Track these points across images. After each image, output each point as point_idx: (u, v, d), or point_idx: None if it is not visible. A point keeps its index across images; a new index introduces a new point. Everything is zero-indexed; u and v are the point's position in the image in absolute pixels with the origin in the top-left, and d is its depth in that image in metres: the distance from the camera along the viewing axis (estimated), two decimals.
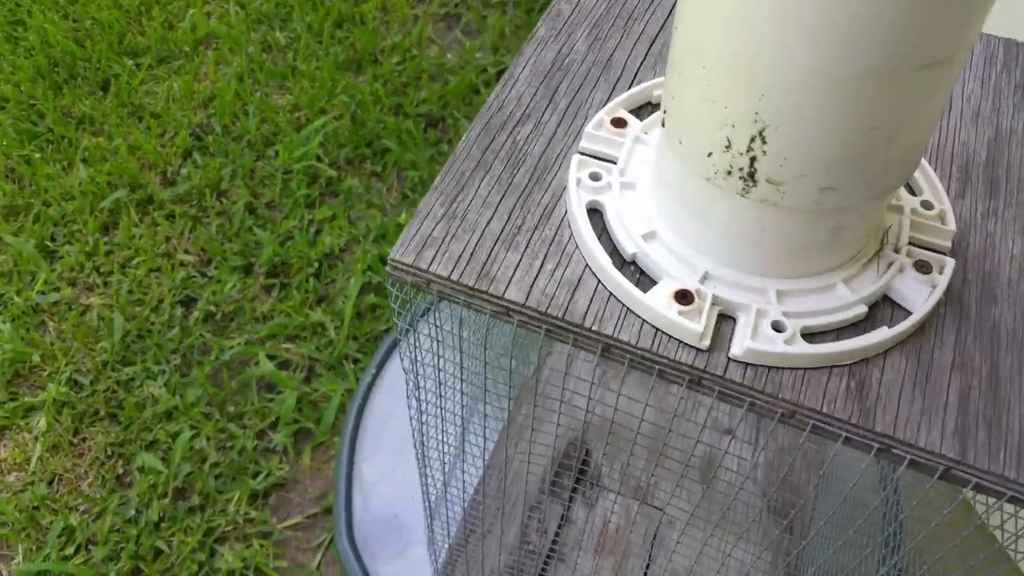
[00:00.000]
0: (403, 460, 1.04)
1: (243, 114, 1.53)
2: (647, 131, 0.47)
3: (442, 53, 1.67)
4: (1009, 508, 0.40)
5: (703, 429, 0.42)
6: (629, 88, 0.51)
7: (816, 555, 0.72)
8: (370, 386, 1.08)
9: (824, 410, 0.37)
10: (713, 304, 0.40)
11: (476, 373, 0.48)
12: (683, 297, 0.39)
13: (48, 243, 1.35)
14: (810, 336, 0.39)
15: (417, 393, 0.51)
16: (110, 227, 1.38)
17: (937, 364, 0.39)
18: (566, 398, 0.48)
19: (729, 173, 0.35)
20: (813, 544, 0.74)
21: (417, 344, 0.47)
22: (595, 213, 0.44)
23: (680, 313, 0.39)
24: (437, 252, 0.42)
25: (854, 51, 0.29)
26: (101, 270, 1.31)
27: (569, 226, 0.44)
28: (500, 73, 1.63)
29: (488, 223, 0.43)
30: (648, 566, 0.77)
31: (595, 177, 0.44)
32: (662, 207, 0.42)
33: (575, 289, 0.41)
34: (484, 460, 0.60)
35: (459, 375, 0.47)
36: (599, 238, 0.42)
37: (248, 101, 1.55)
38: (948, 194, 0.46)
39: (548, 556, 0.78)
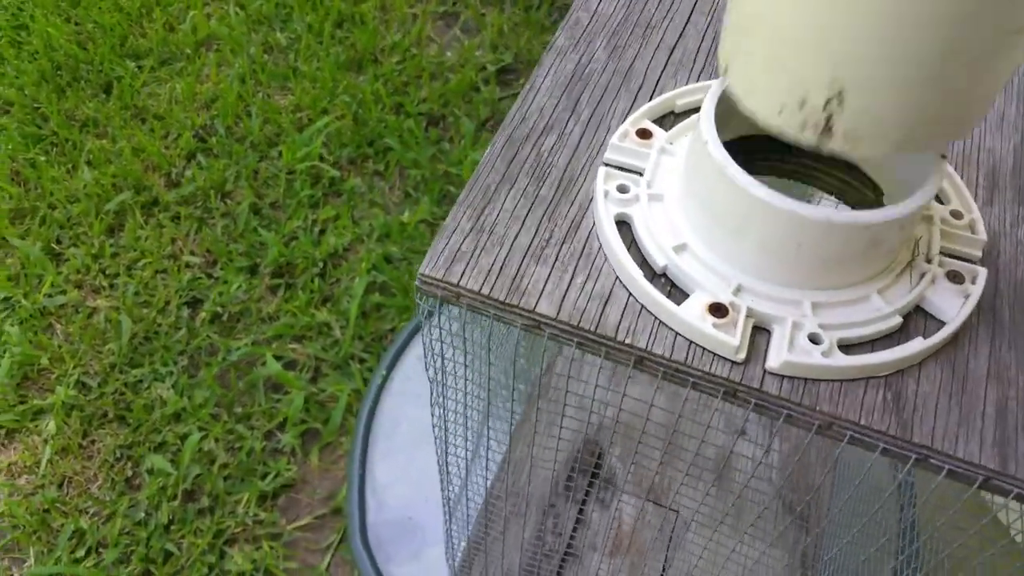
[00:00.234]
0: (416, 461, 1.03)
1: (246, 115, 1.52)
2: (672, 141, 0.46)
3: (441, 51, 1.65)
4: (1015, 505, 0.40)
5: (712, 431, 0.42)
6: (651, 97, 0.50)
7: (831, 550, 0.72)
8: (380, 388, 1.08)
9: (862, 422, 0.37)
10: (748, 317, 0.39)
11: (493, 379, 0.48)
12: (717, 310, 0.39)
13: (54, 246, 1.33)
14: (846, 348, 0.38)
15: (442, 401, 0.50)
16: (116, 229, 1.36)
17: (973, 375, 0.39)
18: (576, 402, 0.47)
19: (803, 127, 0.34)
20: (828, 540, 0.73)
21: (443, 355, 0.47)
22: (623, 225, 0.43)
23: (715, 326, 0.38)
24: (467, 266, 0.41)
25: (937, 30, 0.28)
26: (107, 272, 1.30)
27: (598, 238, 0.43)
28: (500, 71, 1.62)
29: (516, 236, 0.43)
30: (665, 568, 0.77)
31: (623, 189, 0.44)
32: (693, 219, 0.42)
33: (606, 302, 0.40)
34: (504, 459, 0.59)
35: (480, 381, 0.47)
36: (628, 250, 0.42)
37: (250, 102, 1.53)
38: (976, 202, 0.45)
39: (564, 557, 0.78)
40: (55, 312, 1.26)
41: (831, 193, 0.47)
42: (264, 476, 1.11)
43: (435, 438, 0.56)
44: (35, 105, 1.53)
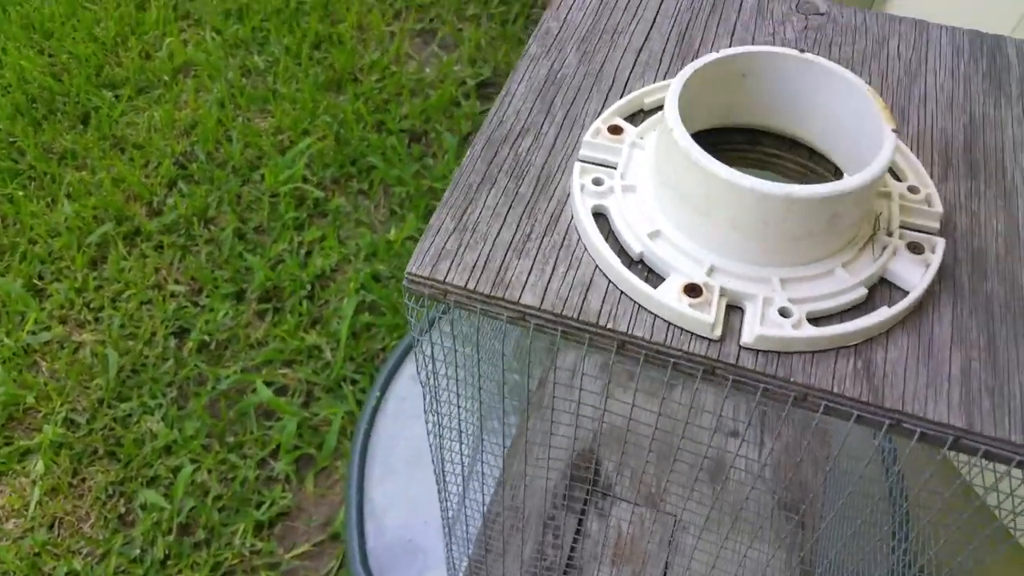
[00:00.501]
0: (414, 482, 1.06)
1: (226, 140, 1.56)
2: (642, 136, 0.50)
3: (421, 68, 1.70)
4: (1005, 487, 0.43)
5: (704, 432, 0.45)
6: (620, 97, 0.54)
7: (828, 548, 0.75)
8: (375, 410, 1.10)
9: (835, 390, 0.40)
10: (721, 295, 0.42)
11: (485, 389, 0.51)
12: (692, 290, 0.42)
13: (36, 281, 1.36)
14: (815, 320, 0.42)
15: (436, 406, 0.53)
16: (98, 261, 1.39)
17: (938, 339, 0.42)
18: (572, 408, 0.50)
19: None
20: (825, 538, 0.76)
21: (432, 355, 0.50)
22: (600, 217, 0.47)
23: (690, 306, 0.41)
24: (452, 263, 0.44)
25: None
26: (92, 306, 1.33)
27: (576, 231, 0.46)
28: (479, 85, 1.66)
29: (499, 233, 0.46)
30: (666, 573, 0.79)
31: (598, 182, 0.47)
32: (665, 206, 0.45)
33: (587, 290, 0.44)
34: (501, 475, 0.62)
35: (475, 383, 0.50)
36: (606, 240, 0.45)
37: (230, 127, 1.57)
38: (932, 178, 0.49)
39: (565, 570, 0.81)
40: (39, 349, 1.28)
41: (795, 178, 0.51)
42: (259, 505, 1.13)
43: (431, 447, 0.58)
44: (11, 139, 1.56)
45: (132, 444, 1.17)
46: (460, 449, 0.63)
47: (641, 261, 0.45)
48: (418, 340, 0.48)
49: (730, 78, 0.49)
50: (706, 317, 0.41)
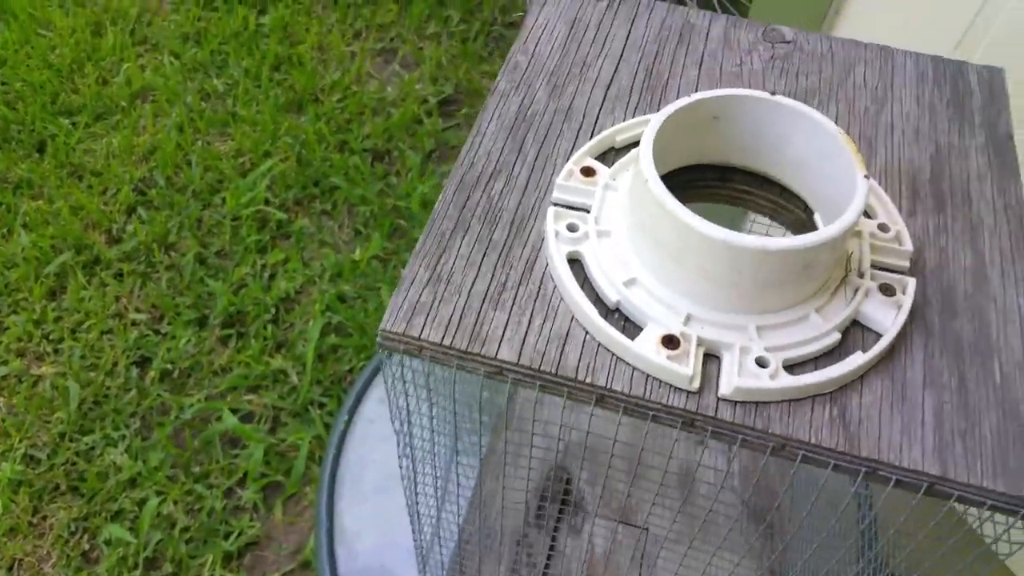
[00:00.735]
0: (385, 506, 1.04)
1: (186, 164, 1.52)
2: (615, 177, 0.50)
3: (382, 87, 1.68)
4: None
5: (675, 445, 0.44)
6: (591, 134, 0.53)
7: (797, 557, 0.75)
8: (343, 434, 1.08)
9: (812, 441, 0.40)
10: (698, 345, 0.42)
11: (457, 421, 0.50)
12: (670, 342, 0.42)
13: None
14: (791, 368, 0.42)
15: (410, 452, 0.52)
16: (57, 292, 1.35)
17: (911, 383, 0.42)
18: (541, 429, 0.50)
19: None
20: (793, 546, 0.77)
21: (407, 407, 0.49)
22: (575, 263, 0.46)
23: (669, 358, 0.41)
24: (427, 318, 0.43)
25: None
26: (51, 337, 1.29)
27: (552, 279, 0.46)
28: (441, 103, 1.65)
29: (473, 283, 0.45)
30: None
31: (572, 228, 0.47)
32: (640, 253, 0.45)
33: (564, 343, 0.43)
34: (474, 496, 0.61)
35: (446, 421, 0.49)
36: (582, 288, 0.44)
37: (190, 151, 1.54)
38: (900, 213, 0.49)
39: None
40: None
41: (766, 214, 0.50)
42: (227, 536, 1.11)
43: (404, 488, 0.57)
44: None
45: (95, 478, 1.13)
46: (434, 481, 0.62)
47: (618, 310, 0.44)
48: (393, 394, 0.47)
49: (702, 121, 0.48)
50: (685, 370, 0.41)
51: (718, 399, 0.41)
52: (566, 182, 0.49)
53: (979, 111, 0.57)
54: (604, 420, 0.45)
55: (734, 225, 0.51)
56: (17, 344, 1.28)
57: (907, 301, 0.44)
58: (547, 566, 0.82)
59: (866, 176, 0.42)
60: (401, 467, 0.53)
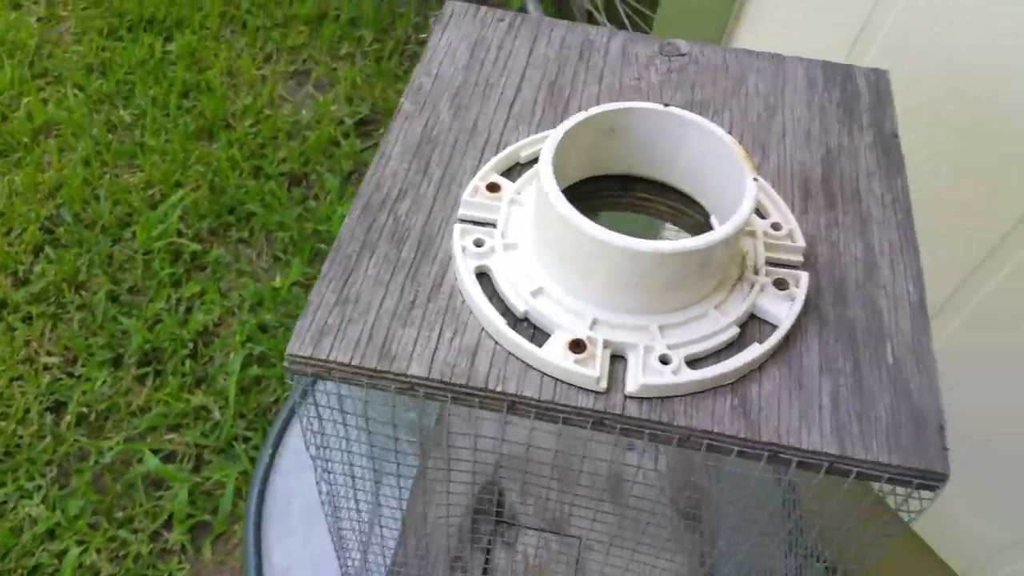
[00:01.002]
0: (314, 539, 1.03)
1: (94, 199, 1.49)
2: (520, 191, 0.52)
3: (296, 110, 1.68)
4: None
5: (601, 448, 0.46)
6: (496, 151, 0.55)
7: (729, 551, 0.78)
8: (268, 467, 1.08)
9: (715, 430, 0.42)
10: (604, 347, 0.44)
11: (377, 444, 0.51)
12: (577, 346, 0.44)
13: None
14: (693, 363, 0.44)
15: (327, 476, 0.53)
16: None
17: (807, 370, 0.45)
18: (468, 446, 0.51)
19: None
20: (724, 539, 0.79)
21: (322, 431, 0.49)
22: (483, 277, 0.48)
23: (576, 361, 0.43)
24: (335, 340, 0.45)
25: None
26: None
27: (461, 294, 0.47)
28: (358, 123, 1.66)
29: (382, 302, 0.46)
30: None
31: (478, 243, 0.48)
32: (546, 263, 0.47)
33: (475, 354, 0.45)
34: (403, 521, 0.62)
35: (364, 446, 0.50)
36: (490, 301, 0.46)
37: (98, 185, 1.51)
38: (793, 212, 0.53)
39: None
40: None
41: (667, 220, 0.53)
42: None
43: (326, 517, 0.58)
44: None
45: (9, 533, 1.10)
46: (354, 496, 0.62)
47: (526, 319, 0.46)
48: (305, 419, 0.48)
49: (600, 133, 0.51)
50: (591, 372, 0.43)
51: (625, 397, 0.43)
52: (472, 198, 0.51)
53: (867, 112, 0.61)
54: (534, 432, 0.46)
55: (652, 233, 0.54)
56: None
57: (800, 294, 0.47)
58: None
59: (755, 179, 0.45)
60: (320, 493, 0.54)
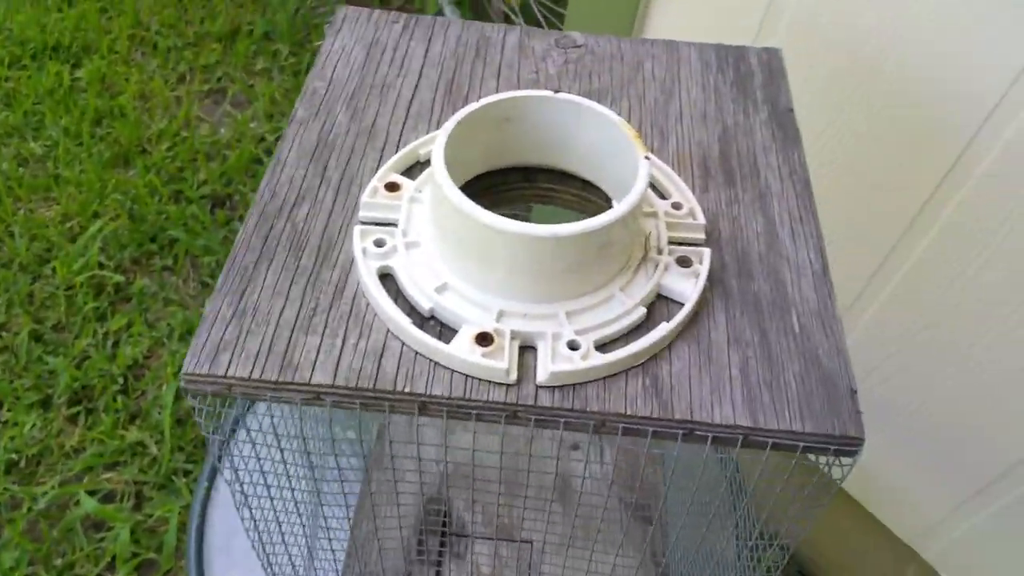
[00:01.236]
0: (258, 569, 1.01)
1: (8, 236, 1.44)
2: (420, 189, 0.51)
3: (214, 130, 1.65)
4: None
5: (545, 450, 0.46)
6: (396, 151, 0.55)
7: (680, 543, 0.78)
8: (205, 500, 1.05)
9: (628, 412, 0.42)
10: (512, 338, 0.44)
11: (313, 452, 0.49)
12: (483, 339, 0.43)
13: None
14: (603, 347, 0.44)
15: (247, 501, 0.51)
16: None
17: (716, 344, 0.45)
18: (412, 463, 0.50)
19: None
20: (675, 533, 0.80)
21: (239, 453, 0.48)
22: (387, 277, 0.47)
23: (484, 355, 0.42)
24: (233, 354, 0.43)
25: None
26: None
27: (364, 297, 0.46)
28: (279, 140, 1.63)
29: (282, 312, 0.45)
30: None
31: (379, 243, 0.48)
32: (448, 258, 0.46)
33: (381, 357, 0.44)
34: (349, 543, 0.60)
35: (289, 473, 0.49)
36: (395, 301, 0.45)
37: (11, 222, 1.46)
38: (693, 191, 0.53)
39: None
40: None
41: (573, 208, 0.53)
42: None
43: (253, 546, 0.56)
44: None
45: None
46: (293, 530, 0.61)
47: (433, 317, 0.45)
48: (214, 441, 0.46)
49: (494, 124, 0.51)
50: (500, 364, 0.42)
51: (536, 387, 0.43)
52: (371, 199, 0.50)
53: (761, 89, 0.62)
54: (478, 436, 0.45)
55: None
56: None
57: (703, 270, 0.47)
58: None
59: (647, 157, 0.45)
60: (243, 520, 0.52)
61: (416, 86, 0.60)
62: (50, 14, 1.83)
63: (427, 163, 0.54)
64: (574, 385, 0.43)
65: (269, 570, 0.57)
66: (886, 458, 0.92)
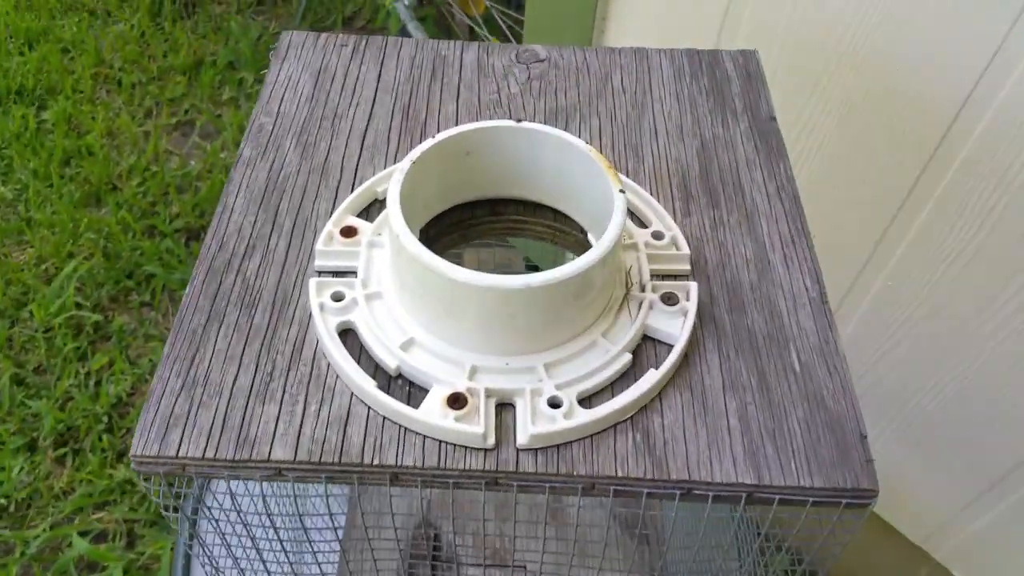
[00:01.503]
0: None
1: None
2: (380, 232, 0.44)
3: (184, 162, 1.57)
4: None
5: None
6: (352, 189, 0.48)
7: (678, 559, 0.72)
8: (190, 539, 0.98)
9: (619, 474, 0.36)
10: (488, 397, 0.37)
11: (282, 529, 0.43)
12: (456, 401, 0.37)
13: None
14: (587, 400, 0.38)
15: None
16: None
17: (710, 390, 0.39)
18: (397, 492, 0.44)
19: None
20: (672, 549, 0.74)
21: (206, 529, 0.42)
22: (349, 333, 0.41)
23: (457, 419, 0.36)
24: (184, 430, 0.37)
25: None
26: None
27: (325, 356, 0.40)
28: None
29: (235, 380, 0.39)
30: None
31: (337, 297, 0.41)
32: (413, 311, 0.40)
33: (346, 424, 0.37)
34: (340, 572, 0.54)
35: (259, 547, 0.42)
36: (358, 360, 0.39)
37: None
38: (675, 216, 0.47)
39: None
40: None
41: (546, 240, 0.47)
42: None
43: None
44: None
45: None
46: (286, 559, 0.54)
47: (400, 376, 0.39)
48: (178, 520, 0.40)
49: (454, 158, 0.44)
50: (476, 428, 0.36)
51: (517, 451, 0.36)
52: (326, 247, 0.44)
53: (739, 96, 0.56)
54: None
55: (561, 256, 0.47)
56: None
57: (692, 306, 0.41)
58: None
59: (621, 191, 0.39)
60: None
61: (370, 115, 0.53)
62: (11, 58, 1.74)
63: (385, 202, 0.48)
64: (558, 446, 0.37)
65: None
66: (894, 459, 0.87)
